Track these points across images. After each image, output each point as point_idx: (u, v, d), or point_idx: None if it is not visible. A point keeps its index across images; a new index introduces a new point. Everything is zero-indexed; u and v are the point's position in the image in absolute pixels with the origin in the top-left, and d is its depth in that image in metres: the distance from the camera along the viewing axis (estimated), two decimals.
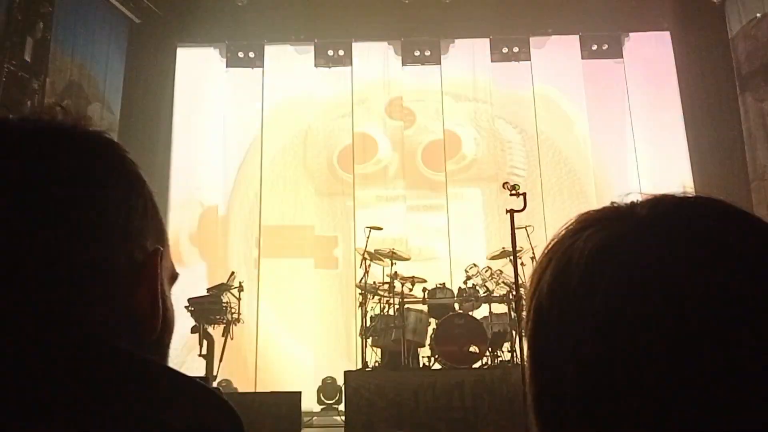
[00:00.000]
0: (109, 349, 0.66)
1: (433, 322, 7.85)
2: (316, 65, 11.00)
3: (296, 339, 9.90)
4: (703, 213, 0.65)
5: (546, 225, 9.61)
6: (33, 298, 0.64)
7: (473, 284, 8.01)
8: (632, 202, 0.68)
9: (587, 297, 0.61)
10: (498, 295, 7.86)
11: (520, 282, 6.22)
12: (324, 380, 9.04)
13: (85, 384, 0.61)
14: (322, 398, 8.87)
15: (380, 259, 8.18)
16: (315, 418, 8.57)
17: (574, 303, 0.63)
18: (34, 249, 0.65)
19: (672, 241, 0.61)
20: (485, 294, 7.88)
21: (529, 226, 7.66)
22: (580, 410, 0.61)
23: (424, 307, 7.95)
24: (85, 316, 0.67)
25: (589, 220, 0.68)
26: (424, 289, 8.04)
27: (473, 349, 7.53)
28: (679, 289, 0.58)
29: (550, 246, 0.70)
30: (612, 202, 0.69)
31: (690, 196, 0.67)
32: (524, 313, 0.71)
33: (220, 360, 7.82)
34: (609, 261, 0.62)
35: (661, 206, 0.66)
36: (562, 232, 0.69)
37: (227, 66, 11.00)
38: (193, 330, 7.61)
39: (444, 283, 8.27)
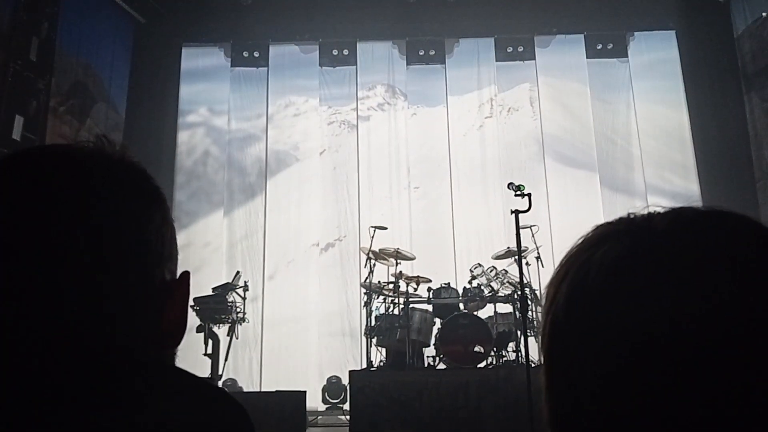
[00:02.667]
0: (138, 360, 0.74)
1: (437, 321, 7.85)
2: (320, 64, 11.01)
3: (301, 338, 9.89)
4: (722, 228, 0.64)
5: (551, 225, 9.61)
6: (78, 311, 0.71)
7: (478, 284, 8.01)
8: (649, 214, 0.67)
9: (605, 312, 0.61)
10: (503, 294, 7.86)
11: (524, 282, 6.21)
12: (329, 379, 9.05)
13: (112, 389, 0.69)
14: (327, 397, 8.88)
15: (385, 259, 8.18)
16: (320, 417, 8.59)
17: (591, 317, 0.62)
18: (85, 268, 0.71)
19: (691, 257, 0.60)
20: (490, 294, 7.88)
21: (534, 225, 7.66)
22: (597, 425, 0.60)
23: (429, 307, 7.95)
24: (122, 329, 0.74)
25: (606, 233, 0.67)
26: (428, 289, 8.04)
27: (478, 348, 7.53)
28: (698, 305, 0.58)
29: (566, 258, 0.69)
30: (629, 214, 0.68)
31: (708, 209, 0.66)
32: (539, 328, 0.70)
33: (225, 359, 7.84)
34: (627, 276, 0.62)
35: (680, 220, 0.65)
36: (579, 244, 0.69)
37: (232, 65, 11.01)
38: (198, 329, 7.62)
39: (449, 283, 8.26)
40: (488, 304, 7.89)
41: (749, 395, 0.55)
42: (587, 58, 10.89)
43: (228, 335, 7.88)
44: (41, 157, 0.78)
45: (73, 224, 0.71)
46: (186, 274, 0.83)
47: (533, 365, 5.84)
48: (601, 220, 0.70)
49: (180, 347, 0.81)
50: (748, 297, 0.57)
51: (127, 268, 0.75)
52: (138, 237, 0.77)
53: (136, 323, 0.76)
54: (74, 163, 0.77)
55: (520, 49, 10.93)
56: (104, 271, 0.72)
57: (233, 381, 8.85)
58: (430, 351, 7.89)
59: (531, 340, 6.00)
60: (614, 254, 0.63)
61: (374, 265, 8.05)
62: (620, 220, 0.68)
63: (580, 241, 0.69)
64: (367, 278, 8.01)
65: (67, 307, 0.70)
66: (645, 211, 0.68)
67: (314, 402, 8.71)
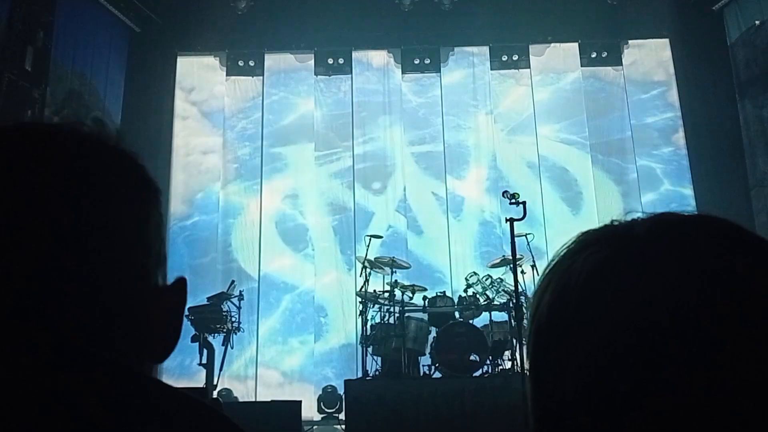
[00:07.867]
0: (123, 369, 0.65)
1: (433, 330, 7.84)
2: (316, 73, 11.03)
3: (296, 348, 9.87)
4: (702, 233, 0.64)
5: (546, 233, 9.63)
6: (68, 316, 0.63)
7: (474, 292, 8.00)
8: (632, 221, 0.67)
9: (585, 320, 0.61)
10: (498, 303, 7.85)
11: (520, 290, 6.21)
12: (324, 389, 9.01)
13: (95, 401, 0.60)
14: (323, 407, 8.84)
15: (380, 267, 8.17)
16: (315, 427, 8.55)
17: (573, 326, 0.62)
18: (80, 270, 0.63)
19: (669, 262, 0.60)
20: (486, 302, 7.87)
21: (529, 234, 7.67)
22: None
23: (425, 316, 7.94)
24: (114, 336, 0.66)
25: (588, 240, 0.67)
26: (424, 298, 8.03)
27: (474, 357, 7.53)
28: (675, 310, 0.57)
29: (550, 266, 0.69)
30: (612, 220, 0.69)
31: (690, 215, 0.66)
32: (525, 337, 0.70)
33: (220, 369, 7.81)
34: (607, 283, 0.61)
35: (660, 226, 0.65)
36: (562, 252, 0.69)
37: (227, 74, 11.01)
38: (193, 339, 7.60)
39: (444, 292, 8.27)
40: (484, 313, 7.88)
41: (727, 396, 0.55)
42: (581, 66, 10.94)
43: (223, 345, 7.86)
44: (28, 134, 0.68)
45: (61, 213, 0.62)
46: (183, 281, 0.74)
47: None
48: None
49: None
50: (725, 302, 0.57)
51: (124, 269, 0.65)
52: (137, 234, 0.68)
53: (130, 331, 0.67)
54: (69, 142, 0.68)
55: (515, 57, 10.96)
56: (95, 270, 0.63)
57: (228, 391, 8.81)
58: (425, 360, 7.88)
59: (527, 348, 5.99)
60: (594, 260, 0.63)
61: (369, 273, 8.05)
62: (604, 228, 0.68)
63: (564, 249, 0.69)
64: (362, 287, 8.00)
65: (52, 310, 0.61)
66: (628, 218, 0.68)
67: (309, 412, 8.66)
